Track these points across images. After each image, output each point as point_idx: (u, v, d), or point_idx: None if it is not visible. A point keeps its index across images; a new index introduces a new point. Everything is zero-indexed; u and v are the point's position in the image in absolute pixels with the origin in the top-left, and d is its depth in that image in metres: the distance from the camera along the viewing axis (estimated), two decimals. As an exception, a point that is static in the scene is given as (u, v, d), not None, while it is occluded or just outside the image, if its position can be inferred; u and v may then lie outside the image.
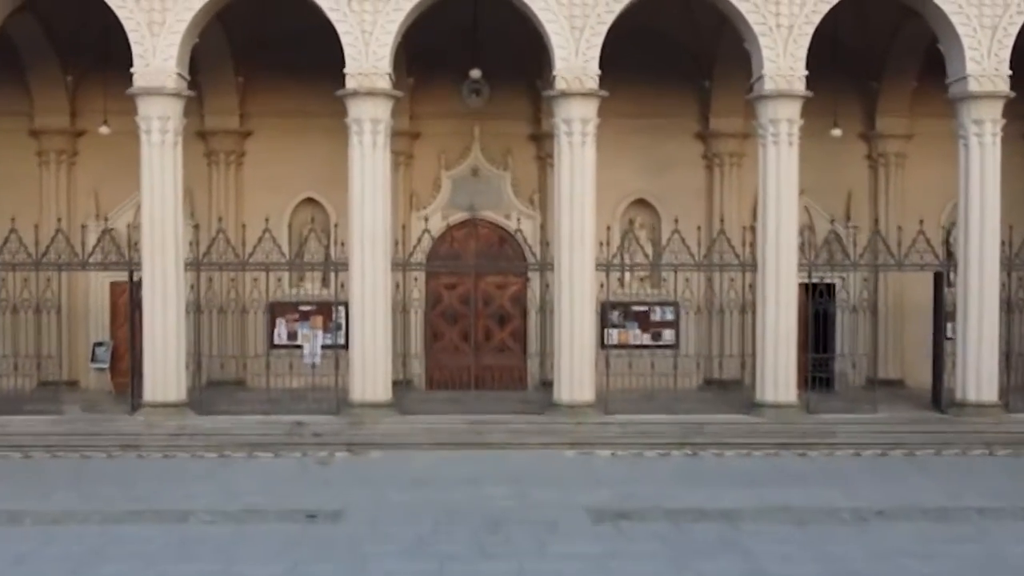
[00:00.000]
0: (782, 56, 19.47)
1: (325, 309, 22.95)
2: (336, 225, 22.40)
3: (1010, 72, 19.47)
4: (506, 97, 24.36)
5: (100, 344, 23.97)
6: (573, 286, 19.58)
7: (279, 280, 21.91)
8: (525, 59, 23.31)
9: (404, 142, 23.94)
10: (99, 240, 20.72)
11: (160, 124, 19.31)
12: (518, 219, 23.38)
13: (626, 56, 20.40)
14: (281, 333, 24.03)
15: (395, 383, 20.48)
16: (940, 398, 20.65)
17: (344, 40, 19.24)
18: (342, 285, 20.48)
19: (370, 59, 19.29)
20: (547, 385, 22.29)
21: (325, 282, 23.16)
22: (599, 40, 19.37)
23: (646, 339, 24.08)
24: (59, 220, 21.68)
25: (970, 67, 19.44)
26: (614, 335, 22.85)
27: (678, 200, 24.26)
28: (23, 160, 24.01)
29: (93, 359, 23.85)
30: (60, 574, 11.43)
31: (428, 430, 19.22)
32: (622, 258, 21.20)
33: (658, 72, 23.80)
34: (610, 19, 19.37)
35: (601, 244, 20.23)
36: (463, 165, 24.49)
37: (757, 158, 20.38)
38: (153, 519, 13.68)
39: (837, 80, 22.02)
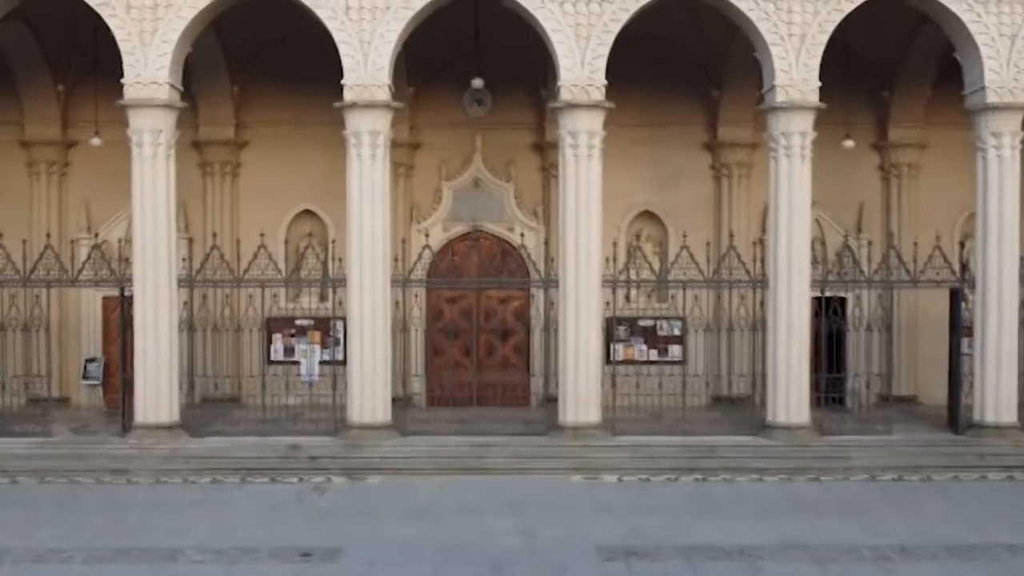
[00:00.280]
0: (794, 66, 18.84)
1: (323, 324, 22.38)
2: (334, 241, 21.82)
3: (1032, 82, 18.87)
4: (508, 106, 23.77)
5: (92, 360, 23.36)
6: (579, 304, 18.95)
7: (275, 296, 21.23)
8: (528, 67, 22.73)
9: (404, 152, 23.34)
10: (89, 255, 20.05)
11: (152, 137, 18.70)
12: (522, 234, 22.65)
13: (632, 64, 19.73)
14: (278, 349, 23.45)
15: (395, 400, 19.87)
16: (957, 418, 19.99)
17: (342, 50, 18.63)
18: (340, 303, 19.84)
19: (369, 70, 18.67)
20: (551, 401, 21.61)
21: (323, 296, 22.53)
22: (605, 50, 18.75)
23: (652, 355, 23.48)
24: (48, 235, 21.01)
25: (989, 78, 18.80)
26: (619, 350, 22.22)
27: (685, 212, 23.71)
28: (13, 172, 23.45)
29: (85, 376, 23.26)
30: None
31: (429, 454, 18.59)
32: (628, 275, 20.52)
33: (665, 80, 23.22)
34: (617, 28, 18.76)
35: (608, 260, 19.58)
36: (464, 176, 23.87)
37: (766, 169, 19.80)
38: (140, 558, 13.06)
39: (848, 89, 21.38)
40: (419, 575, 12.35)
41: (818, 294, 19.82)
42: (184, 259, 20.43)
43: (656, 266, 22.85)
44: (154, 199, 18.75)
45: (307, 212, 23.89)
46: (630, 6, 18.70)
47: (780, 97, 18.86)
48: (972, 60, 19.09)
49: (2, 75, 22.65)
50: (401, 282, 19.88)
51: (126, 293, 19.43)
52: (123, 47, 18.55)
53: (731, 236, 21.56)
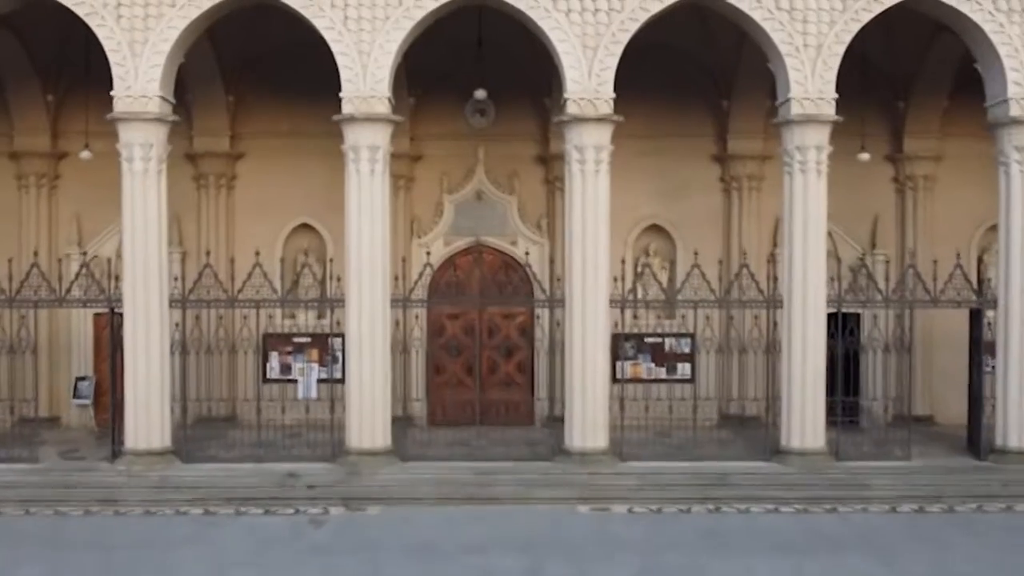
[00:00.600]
0: (810, 78, 18.13)
1: (320, 340, 21.68)
2: (331, 260, 21.15)
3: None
4: (512, 117, 23.10)
5: (83, 379, 22.69)
6: (585, 326, 18.25)
7: (271, 317, 20.47)
8: (532, 77, 22.09)
9: (404, 165, 22.66)
10: (78, 274, 19.27)
11: (143, 151, 18.01)
12: (527, 252, 21.88)
13: (639, 73, 19.00)
14: (274, 367, 22.77)
15: (395, 419, 19.19)
16: (978, 442, 19.25)
17: (340, 62, 17.93)
18: (338, 323, 19.12)
19: (368, 82, 17.97)
20: (556, 421, 21.01)
21: (321, 314, 21.82)
22: (614, 61, 18.06)
23: (660, 373, 22.79)
24: (35, 254, 20.26)
25: (1012, 90, 18.09)
26: (626, 368, 21.52)
27: (694, 226, 23.08)
28: (2, 185, 22.90)
29: (75, 395, 22.56)
30: None
31: (431, 481, 17.85)
32: (635, 295, 19.77)
33: (673, 90, 22.59)
34: (625, 38, 18.07)
35: (616, 279, 18.85)
36: (467, 189, 23.18)
37: (777, 181, 19.18)
38: (126, 605, 12.38)
39: (862, 100, 20.63)
40: (421, 627, 11.66)
41: (834, 310, 19.08)
42: (176, 278, 19.64)
43: (663, 279, 22.20)
44: (145, 216, 18.05)
45: (305, 226, 23.21)
46: (639, 16, 18.02)
47: (795, 110, 18.16)
48: (994, 72, 18.38)
49: (-10, 85, 22.04)
50: (402, 302, 19.15)
51: (116, 310, 18.69)
52: (112, 58, 17.87)
53: (744, 255, 20.84)
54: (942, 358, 22.51)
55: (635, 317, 21.90)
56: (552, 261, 21.35)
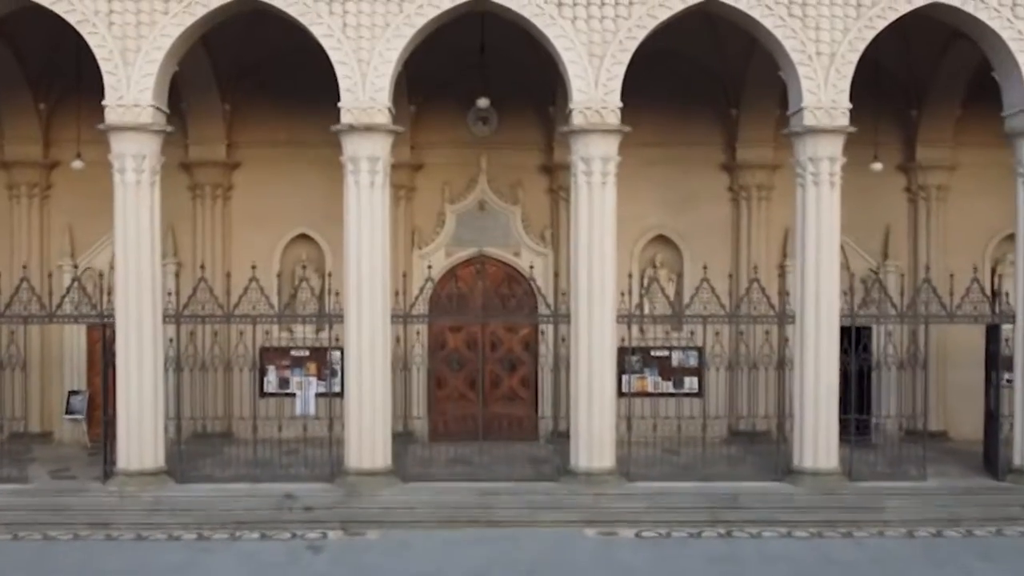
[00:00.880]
0: (823, 87, 17.59)
1: (319, 353, 21.14)
2: (330, 274, 20.61)
3: (1076, 105, 17.60)
4: (515, 125, 22.56)
5: (76, 393, 22.13)
6: (591, 342, 17.70)
7: (267, 333, 19.88)
8: (536, 84, 21.51)
9: (405, 174, 22.09)
10: (68, 289, 18.73)
11: (135, 163, 17.46)
12: (531, 266, 21.31)
13: (646, 81, 18.41)
14: (271, 381, 22.24)
15: (396, 435, 18.65)
16: (995, 461, 18.70)
17: (339, 71, 17.38)
18: (337, 337, 18.56)
19: (367, 91, 17.42)
20: (560, 436, 20.49)
21: (319, 328, 21.26)
22: (621, 69, 17.50)
23: (667, 387, 22.24)
24: (24, 267, 19.74)
25: (1032, 99, 17.56)
26: (633, 382, 20.99)
27: (701, 236, 22.55)
28: (-6, 195, 22.30)
29: (68, 410, 22.00)
30: None
31: (432, 504, 17.29)
32: (642, 310, 19.20)
33: (681, 98, 22.03)
34: (633, 46, 17.52)
35: (623, 294, 18.30)
36: (469, 198, 22.62)
37: (786, 191, 18.70)
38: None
39: (874, 108, 20.06)
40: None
41: (847, 324, 18.52)
42: (170, 292, 19.10)
43: (670, 291, 21.66)
44: (138, 229, 17.52)
45: (303, 236, 22.66)
46: (647, 23, 17.48)
47: (808, 120, 17.62)
48: (1012, 80, 17.84)
49: (-20, 93, 21.46)
50: (402, 318, 18.60)
51: (108, 325, 18.15)
52: (104, 67, 17.32)
53: (755, 269, 20.26)
54: (956, 372, 21.97)
55: (641, 331, 21.28)
56: (556, 274, 20.74)
